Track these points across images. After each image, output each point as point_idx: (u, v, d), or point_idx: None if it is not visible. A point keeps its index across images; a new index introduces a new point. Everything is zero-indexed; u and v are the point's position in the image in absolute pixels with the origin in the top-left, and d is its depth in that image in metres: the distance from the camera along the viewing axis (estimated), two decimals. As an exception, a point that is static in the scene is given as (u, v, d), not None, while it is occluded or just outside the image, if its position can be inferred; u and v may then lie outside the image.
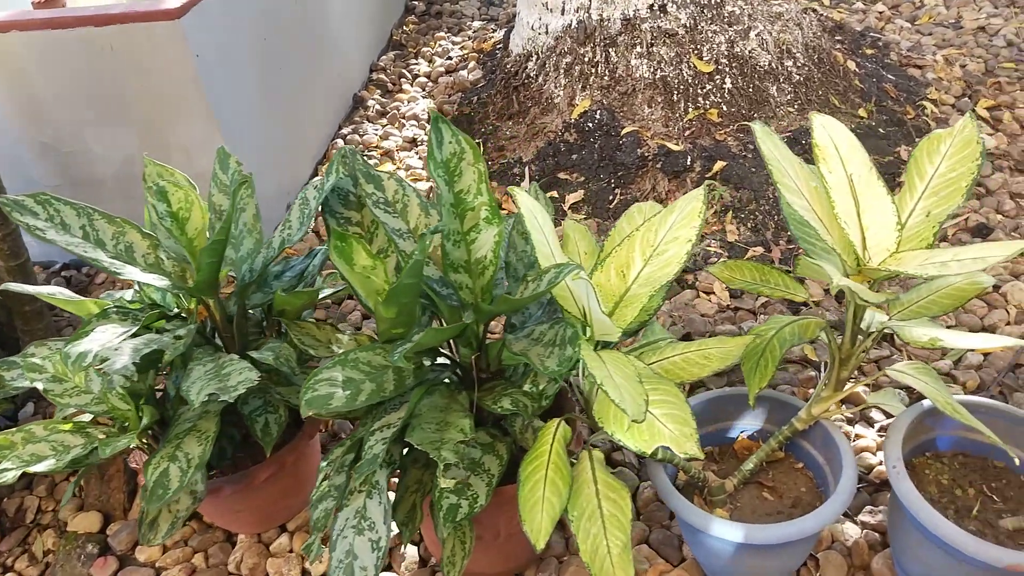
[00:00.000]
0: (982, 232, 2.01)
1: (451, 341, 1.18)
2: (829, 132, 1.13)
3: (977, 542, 1.10)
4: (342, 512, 1.05)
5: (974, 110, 2.44)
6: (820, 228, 1.11)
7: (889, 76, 2.53)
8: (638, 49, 2.23)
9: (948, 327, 1.80)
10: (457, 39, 3.27)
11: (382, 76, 3.03)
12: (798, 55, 2.32)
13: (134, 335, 1.17)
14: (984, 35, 2.84)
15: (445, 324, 1.15)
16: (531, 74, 2.42)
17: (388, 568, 1.43)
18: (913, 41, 2.82)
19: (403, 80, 3.02)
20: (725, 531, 1.16)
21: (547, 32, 2.36)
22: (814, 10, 2.86)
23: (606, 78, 2.26)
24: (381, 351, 1.08)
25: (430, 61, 3.13)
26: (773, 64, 2.27)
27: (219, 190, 1.31)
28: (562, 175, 2.22)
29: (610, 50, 2.25)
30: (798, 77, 2.30)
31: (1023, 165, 2.23)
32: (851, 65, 2.45)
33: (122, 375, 1.07)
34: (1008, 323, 1.78)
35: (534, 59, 2.42)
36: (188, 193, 1.17)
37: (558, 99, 2.32)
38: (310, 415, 0.98)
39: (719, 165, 2.11)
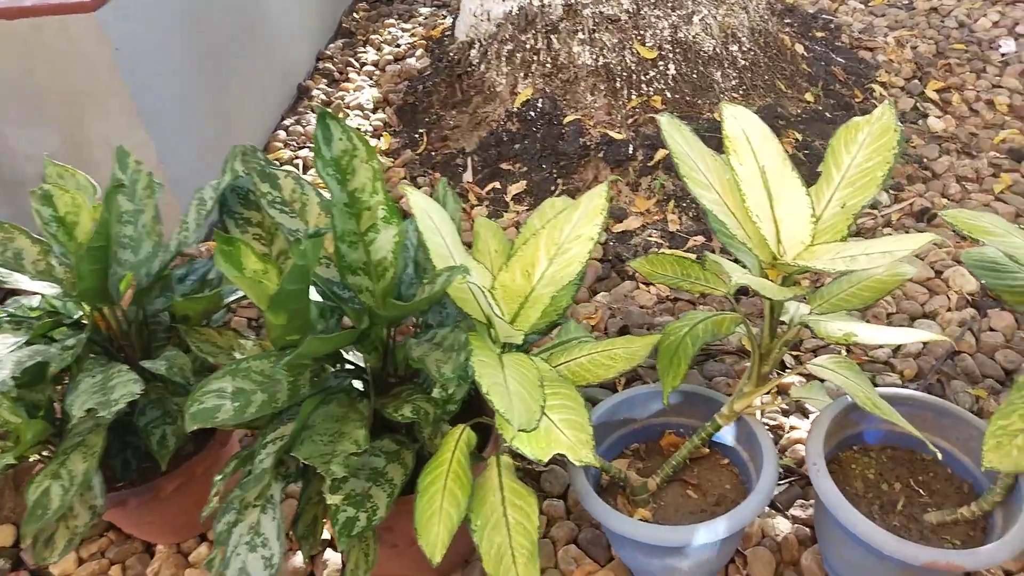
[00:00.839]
0: (926, 217, 1.98)
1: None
2: (740, 123, 1.10)
3: (895, 540, 1.08)
4: (236, 528, 1.01)
5: (923, 92, 2.42)
6: (730, 222, 1.07)
7: (839, 59, 2.50)
8: (580, 35, 2.19)
9: (888, 315, 1.78)
10: (407, 26, 3.20)
11: (329, 65, 2.96)
12: (744, 39, 2.28)
13: (27, 344, 1.12)
14: (936, 16, 2.81)
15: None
16: (474, 62, 2.36)
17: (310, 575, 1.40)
18: (866, 23, 2.79)
19: (350, 69, 2.95)
20: (637, 532, 1.13)
21: (489, 19, 2.30)
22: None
23: (548, 65, 2.22)
24: (275, 359, 1.03)
25: (378, 49, 3.06)
26: (718, 49, 2.23)
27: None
28: (505, 165, 2.17)
29: (552, 37, 2.21)
30: (744, 62, 2.26)
31: (970, 148, 2.21)
32: (799, 48, 2.41)
33: (2, 389, 1.01)
34: (949, 309, 1.76)
35: (477, 47, 2.36)
36: (76, 197, 1.11)
37: (500, 87, 2.27)
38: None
39: (661, 153, 2.07)
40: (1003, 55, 2.54)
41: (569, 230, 1.03)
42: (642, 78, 2.18)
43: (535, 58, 2.23)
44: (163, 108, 1.96)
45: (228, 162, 1.14)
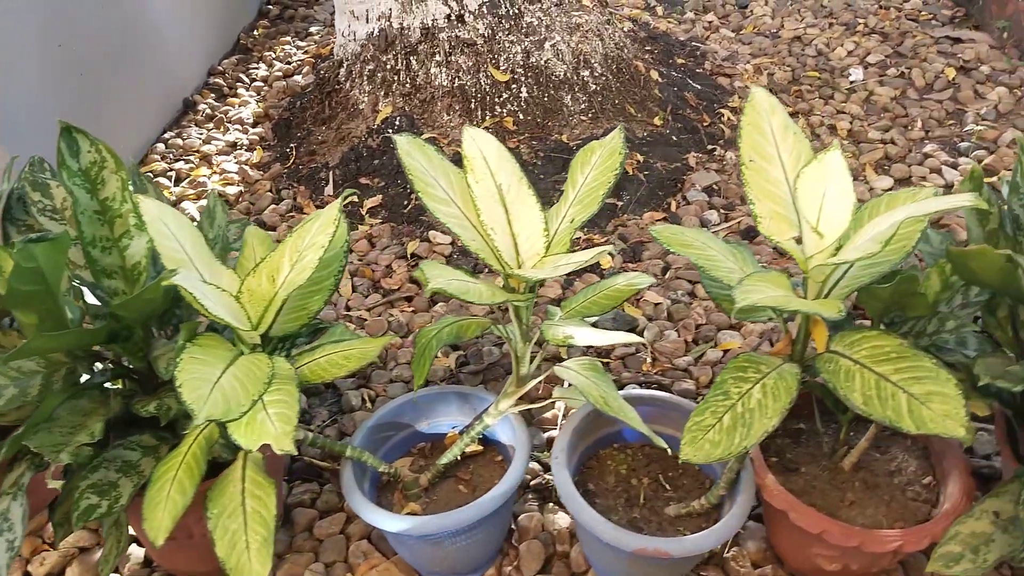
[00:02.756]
0: (750, 235, 2.11)
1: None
2: (478, 144, 1.20)
3: (611, 528, 1.18)
4: (-13, 514, 1.07)
5: (771, 118, 2.56)
6: (466, 235, 1.17)
7: (696, 85, 2.63)
8: (437, 58, 2.29)
9: (698, 325, 1.90)
10: (302, 43, 3.29)
11: (220, 80, 3.03)
12: (596, 65, 2.40)
13: None
14: (798, 44, 2.97)
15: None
16: (341, 80, 2.45)
17: (116, 570, 1.45)
18: (731, 50, 2.94)
19: (239, 84, 3.02)
20: (387, 524, 1.21)
21: (355, 39, 2.40)
22: (635, 20, 2.96)
23: (407, 85, 2.31)
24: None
25: (270, 66, 3.14)
26: (569, 74, 2.35)
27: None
28: (364, 180, 2.26)
29: (411, 58, 2.30)
30: (594, 86, 2.38)
31: (804, 171, 2.35)
32: (654, 75, 2.54)
33: None
34: (753, 321, 1.88)
35: (344, 65, 2.46)
36: None
37: (363, 105, 2.36)
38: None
39: (508, 171, 2.17)
40: (851, 82, 2.70)
41: (308, 239, 1.12)
42: (495, 100, 2.29)
43: (395, 78, 2.32)
44: (20, 126, 2.00)
45: (5, 172, 1.21)
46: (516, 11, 2.32)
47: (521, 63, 2.30)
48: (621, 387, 1.74)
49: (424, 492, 1.37)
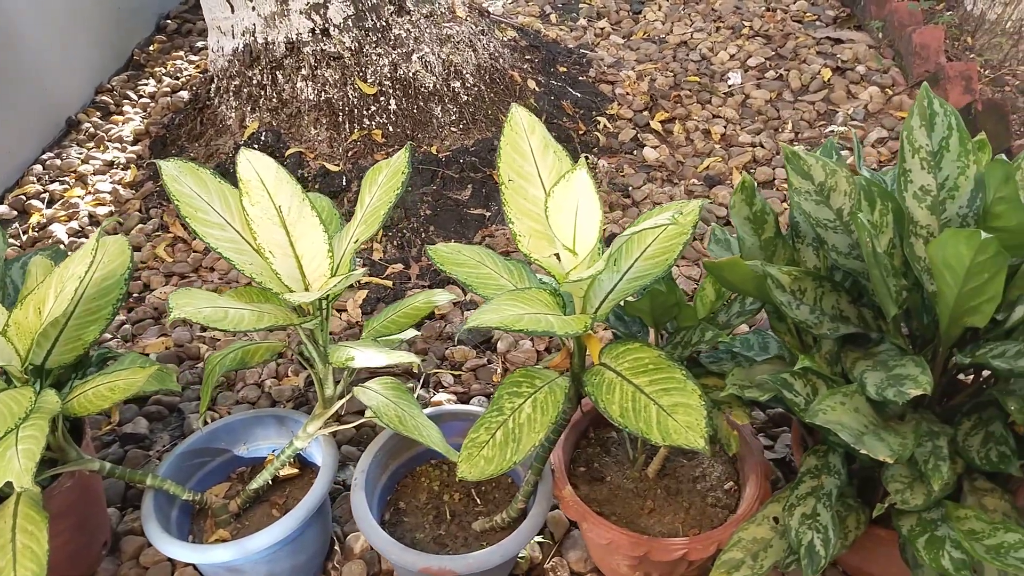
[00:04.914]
0: (608, 242, 2.13)
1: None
2: (254, 166, 1.19)
3: (398, 549, 1.17)
4: None
5: (648, 123, 2.59)
6: (240, 259, 1.16)
7: (576, 93, 2.65)
8: (303, 72, 2.28)
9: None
10: (195, 58, 3.25)
11: (107, 98, 2.99)
12: (468, 76, 2.41)
13: None
14: (684, 49, 3.00)
15: None
16: (211, 96, 2.43)
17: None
18: (618, 57, 2.96)
19: (126, 102, 2.98)
20: (178, 554, 1.19)
21: (223, 54, 2.38)
22: (524, 28, 2.97)
23: (274, 100, 2.30)
24: None
25: (159, 81, 3.11)
26: (439, 85, 2.35)
27: None
28: (230, 198, 2.23)
29: (277, 73, 2.29)
30: (466, 97, 2.38)
31: (675, 176, 2.38)
32: (531, 84, 2.55)
33: None
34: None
35: (215, 81, 2.43)
36: None
37: (230, 121, 2.35)
38: None
39: (373, 184, 2.17)
40: (730, 86, 2.74)
41: (72, 269, 1.10)
42: (364, 113, 2.28)
43: (262, 93, 2.31)
44: None
45: None
46: (383, 24, 2.31)
47: (389, 75, 2.30)
48: (469, 399, 1.74)
49: (235, 518, 1.36)
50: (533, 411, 1.09)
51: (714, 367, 1.19)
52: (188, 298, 1.05)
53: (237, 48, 2.32)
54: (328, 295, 1.26)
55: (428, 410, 1.36)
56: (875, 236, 0.97)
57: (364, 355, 1.16)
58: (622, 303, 1.18)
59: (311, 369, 1.30)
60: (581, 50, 2.98)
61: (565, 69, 2.77)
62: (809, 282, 1.08)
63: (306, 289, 1.20)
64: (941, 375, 1.10)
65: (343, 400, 1.30)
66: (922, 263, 1.03)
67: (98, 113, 2.92)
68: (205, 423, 1.35)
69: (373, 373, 1.81)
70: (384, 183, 1.22)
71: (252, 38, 2.29)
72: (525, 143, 1.11)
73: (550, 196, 1.04)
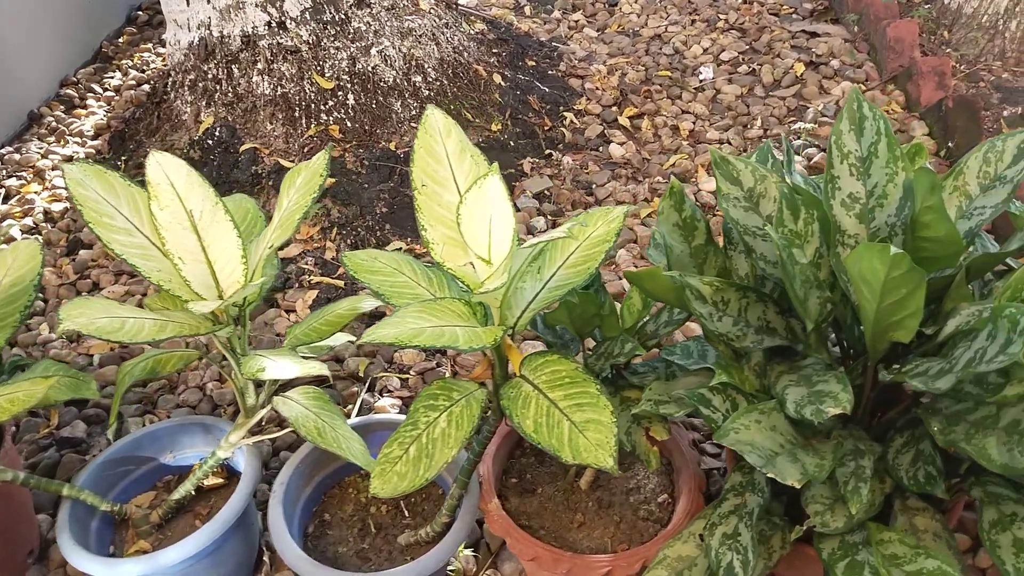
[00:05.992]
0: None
1: None
2: (164, 169, 1.14)
3: (310, 565, 1.14)
4: None
5: (617, 119, 2.54)
6: (149, 265, 1.12)
7: (544, 87, 2.60)
8: (259, 66, 2.23)
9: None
10: (163, 51, 3.20)
11: (71, 91, 2.94)
12: (430, 70, 2.36)
13: None
14: (658, 43, 2.95)
15: None
16: (167, 90, 2.39)
17: None
18: (591, 50, 2.91)
19: (91, 95, 2.93)
20: (80, 563, 1.16)
21: (179, 48, 2.33)
22: (494, 21, 2.92)
23: (229, 95, 2.25)
24: None
25: (125, 74, 3.06)
26: (399, 80, 2.30)
27: None
28: (185, 194, 2.19)
29: (232, 67, 2.24)
30: (427, 92, 2.33)
31: (640, 174, 2.33)
32: (497, 78, 2.50)
33: None
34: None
35: (171, 75, 2.39)
36: None
37: (186, 116, 2.30)
38: None
39: (329, 182, 2.12)
40: (701, 81, 2.69)
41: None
42: (321, 107, 2.23)
43: (217, 87, 2.26)
44: None
45: None
46: (342, 16, 2.26)
47: (347, 70, 2.25)
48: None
49: (157, 528, 1.32)
50: (448, 425, 1.05)
51: (635, 380, 1.14)
52: (82, 308, 1.00)
53: (193, 41, 2.27)
54: (245, 303, 1.22)
55: (355, 420, 1.32)
56: (787, 248, 0.93)
57: (277, 366, 1.12)
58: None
59: (230, 378, 1.26)
60: (553, 43, 2.93)
61: (534, 63, 2.72)
62: (733, 292, 1.04)
63: (220, 296, 1.16)
64: (872, 390, 1.06)
65: (265, 410, 1.26)
66: (848, 274, 0.98)
67: (62, 107, 2.87)
68: (116, 434, 1.31)
69: (315, 380, 1.77)
70: (302, 186, 1.18)
71: (208, 31, 2.24)
72: (440, 147, 1.07)
73: (463, 203, 1.00)
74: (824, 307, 0.99)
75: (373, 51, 2.27)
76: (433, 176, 1.06)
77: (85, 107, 2.87)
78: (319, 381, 1.79)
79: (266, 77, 2.23)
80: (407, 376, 1.78)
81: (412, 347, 0.90)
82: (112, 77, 3.05)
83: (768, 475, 0.86)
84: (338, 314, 1.26)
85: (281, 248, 1.30)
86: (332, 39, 2.25)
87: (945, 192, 1.09)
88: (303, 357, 1.32)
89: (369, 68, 2.27)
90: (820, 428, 1.03)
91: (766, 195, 1.08)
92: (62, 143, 2.65)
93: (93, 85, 2.99)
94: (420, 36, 2.37)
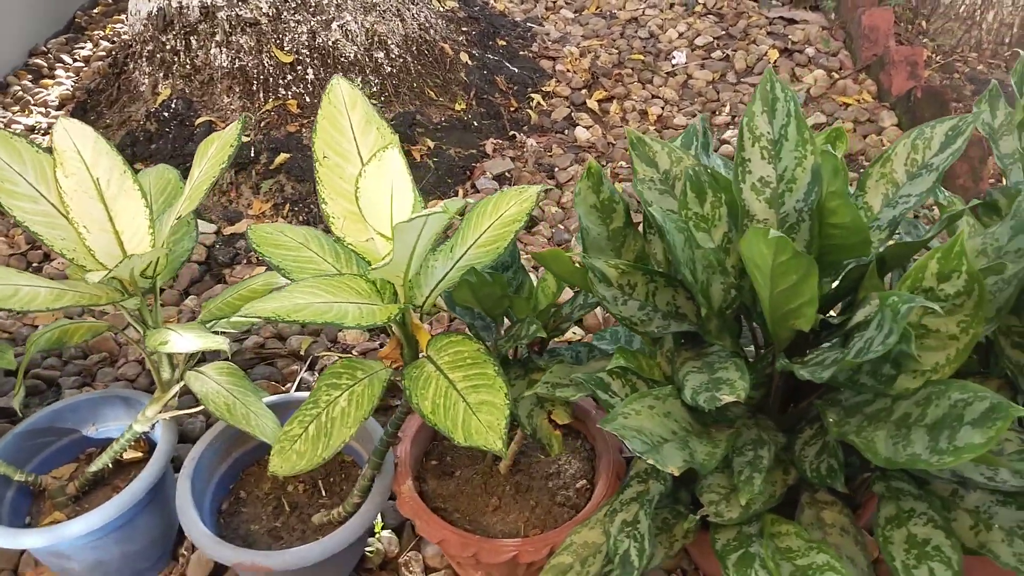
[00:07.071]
0: (532, 224, 2.06)
1: None
2: (71, 136, 1.12)
3: (214, 542, 1.12)
4: None
5: (585, 103, 2.50)
6: (53, 234, 1.10)
7: (513, 68, 2.56)
8: (218, 38, 2.20)
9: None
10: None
11: (40, 61, 2.91)
12: (393, 47, 2.32)
13: None
14: (633, 26, 2.91)
15: None
16: (127, 61, 2.36)
17: None
18: (565, 32, 2.87)
19: (60, 65, 2.90)
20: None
21: (140, 18, 2.30)
22: (467, -1, 2.88)
23: (187, 67, 2.22)
24: None
25: (96, 44, 3.02)
26: (360, 55, 2.27)
27: None
28: (139, 165, 2.17)
29: (191, 38, 2.21)
30: (390, 69, 2.30)
31: (604, 158, 2.30)
32: (464, 57, 2.47)
33: None
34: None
35: (131, 46, 2.36)
36: None
37: (143, 87, 2.27)
38: None
39: (283, 157, 2.10)
40: (673, 66, 2.65)
41: None
42: (279, 82, 2.20)
43: (175, 59, 2.23)
44: None
45: None
46: (304, -10, 2.23)
47: (307, 44, 2.22)
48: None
49: (74, 500, 1.31)
50: (348, 405, 1.04)
51: (542, 363, 1.12)
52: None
53: (152, 11, 2.24)
54: (156, 273, 1.20)
55: (272, 398, 1.30)
56: (686, 231, 0.90)
57: (181, 340, 1.10)
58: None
59: (143, 352, 1.24)
60: (528, 23, 2.89)
61: (505, 43, 2.68)
62: (640, 276, 1.02)
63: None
64: (780, 379, 1.04)
65: (179, 385, 1.25)
66: (744, 260, 0.96)
67: (29, 76, 2.84)
68: (25, 406, 1.29)
69: (260, 356, 1.76)
70: (213, 155, 1.15)
71: (166, 1, 2.20)
72: (344, 118, 1.04)
73: (361, 176, 0.98)
74: (728, 293, 0.97)
75: (334, 25, 2.24)
76: (336, 148, 1.03)
77: (53, 77, 2.84)
78: (262, 357, 1.78)
79: (224, 49, 2.20)
80: (348, 356, 1.76)
81: (289, 322, 0.88)
82: (83, 48, 3.01)
83: (649, 462, 0.84)
84: (252, 289, 1.24)
85: (202, 217, 1.26)
86: (292, 12, 2.22)
87: (872, 179, 1.07)
88: (220, 332, 1.31)
89: (330, 43, 2.24)
90: (725, 417, 1.01)
91: (681, 178, 1.06)
92: (26, 113, 2.62)
93: (63, 55, 2.96)
94: (384, 11, 2.34)
